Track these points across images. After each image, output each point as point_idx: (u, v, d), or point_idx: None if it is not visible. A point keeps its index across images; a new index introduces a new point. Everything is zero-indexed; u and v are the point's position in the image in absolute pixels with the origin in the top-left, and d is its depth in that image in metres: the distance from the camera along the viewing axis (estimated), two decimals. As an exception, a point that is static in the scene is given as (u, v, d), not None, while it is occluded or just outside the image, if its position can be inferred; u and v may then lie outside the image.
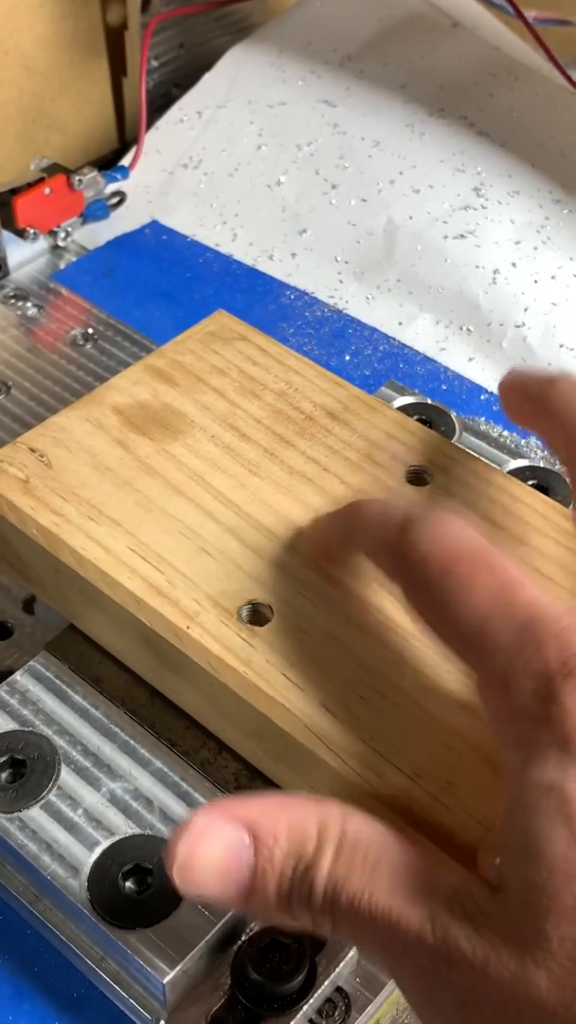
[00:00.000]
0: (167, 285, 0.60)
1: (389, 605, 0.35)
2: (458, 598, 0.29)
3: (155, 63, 0.73)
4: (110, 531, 0.37)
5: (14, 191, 0.57)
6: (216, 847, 0.27)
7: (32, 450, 0.40)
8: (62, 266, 0.61)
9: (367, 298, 0.58)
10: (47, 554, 0.37)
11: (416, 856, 0.27)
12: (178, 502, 0.38)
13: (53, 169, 0.59)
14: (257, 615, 0.35)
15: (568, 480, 0.36)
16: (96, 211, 0.62)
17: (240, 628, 0.34)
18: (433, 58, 0.68)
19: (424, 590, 0.30)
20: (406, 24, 0.71)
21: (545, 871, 0.24)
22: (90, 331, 0.57)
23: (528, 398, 0.35)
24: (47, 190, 0.58)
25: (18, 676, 0.38)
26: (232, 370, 0.43)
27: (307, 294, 0.59)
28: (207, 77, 0.69)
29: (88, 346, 0.57)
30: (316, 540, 0.37)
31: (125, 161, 0.65)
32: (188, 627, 0.34)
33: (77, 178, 0.59)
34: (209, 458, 0.40)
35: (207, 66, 0.75)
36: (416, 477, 0.40)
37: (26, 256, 0.60)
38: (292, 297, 0.59)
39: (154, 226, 0.63)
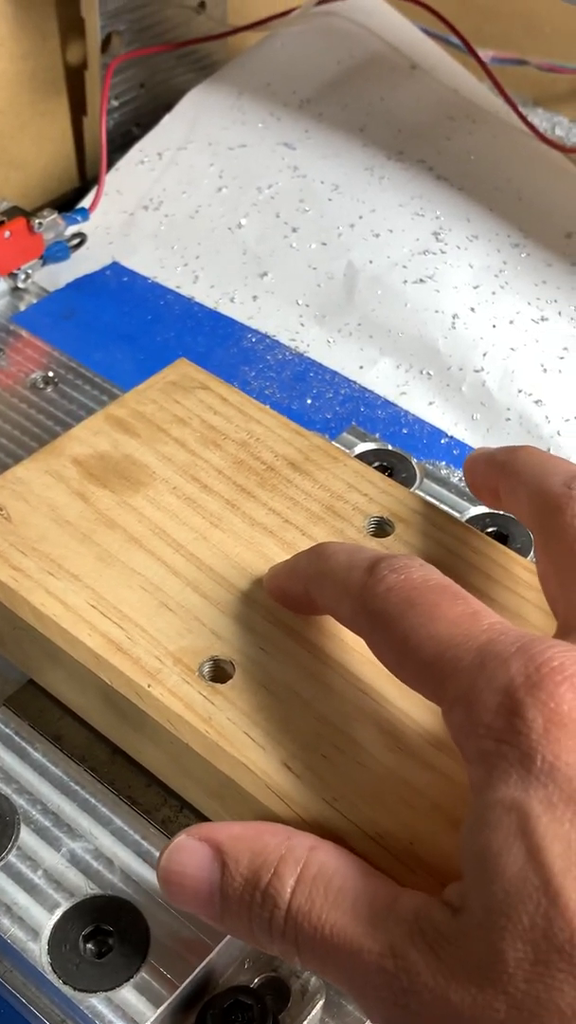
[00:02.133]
0: (128, 327, 0.60)
1: (350, 658, 0.35)
2: (420, 629, 0.29)
3: (115, 103, 0.73)
4: (70, 586, 0.37)
5: (-27, 234, 0.57)
6: (188, 864, 0.29)
7: (-9, 503, 0.39)
8: (22, 308, 0.61)
9: (328, 341, 0.58)
10: (5, 610, 0.37)
11: (380, 883, 0.28)
12: (139, 556, 0.38)
13: (12, 212, 0.59)
14: (219, 671, 0.35)
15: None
16: (56, 252, 0.62)
17: (201, 686, 0.34)
18: (392, 101, 0.69)
19: (387, 624, 0.30)
20: (365, 66, 0.72)
21: (502, 891, 0.24)
22: (51, 374, 0.57)
23: (493, 463, 0.36)
24: (7, 233, 0.58)
25: (-24, 733, 0.37)
26: (193, 420, 0.43)
27: (268, 337, 0.59)
28: (167, 119, 0.69)
29: (48, 389, 0.56)
30: (278, 582, 0.37)
31: (85, 202, 0.65)
32: (149, 685, 0.34)
33: (37, 221, 0.59)
34: (170, 510, 0.40)
35: (168, 104, 0.75)
36: (378, 528, 0.40)
37: (-14, 298, 0.60)
38: (254, 340, 0.59)
39: (115, 268, 0.63)
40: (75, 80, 0.73)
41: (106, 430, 0.43)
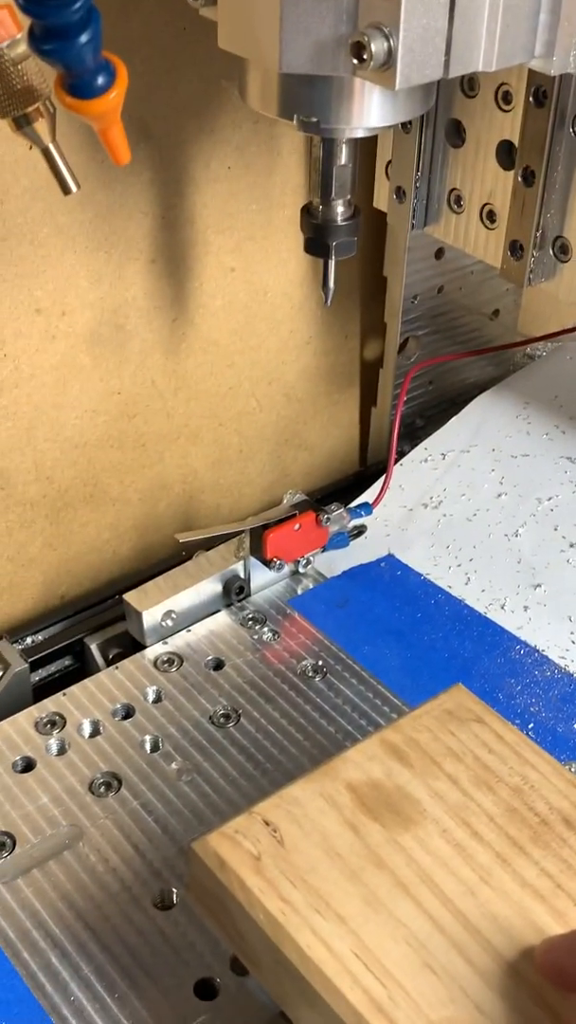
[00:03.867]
0: (398, 623, 0.62)
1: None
2: None
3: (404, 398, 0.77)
4: (336, 929, 0.37)
5: (267, 525, 0.61)
6: None
7: (266, 823, 0.40)
8: (299, 591, 0.64)
9: (599, 664, 0.57)
10: (270, 942, 0.37)
11: None
12: (406, 905, 0.38)
13: (303, 506, 0.63)
14: (480, 1053, 0.34)
15: None
16: (337, 541, 0.65)
17: (462, 1068, 0.33)
18: None
19: None
20: None
21: None
22: (320, 664, 0.59)
23: None
24: (297, 526, 0.61)
25: (225, 1064, 0.37)
26: (467, 755, 0.44)
27: (537, 651, 0.59)
28: (454, 421, 0.72)
29: (317, 679, 0.58)
30: (555, 958, 0.35)
31: (369, 496, 0.68)
32: (408, 1058, 0.33)
33: (325, 516, 0.62)
34: (440, 856, 0.40)
35: (452, 400, 0.79)
36: None
37: (268, 580, 0.63)
38: (522, 652, 0.59)
39: (389, 560, 0.65)
40: (369, 374, 0.78)
41: (380, 756, 0.43)
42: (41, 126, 0.39)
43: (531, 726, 0.55)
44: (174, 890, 0.47)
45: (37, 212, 0.55)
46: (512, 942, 0.37)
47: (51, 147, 0.40)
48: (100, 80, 0.37)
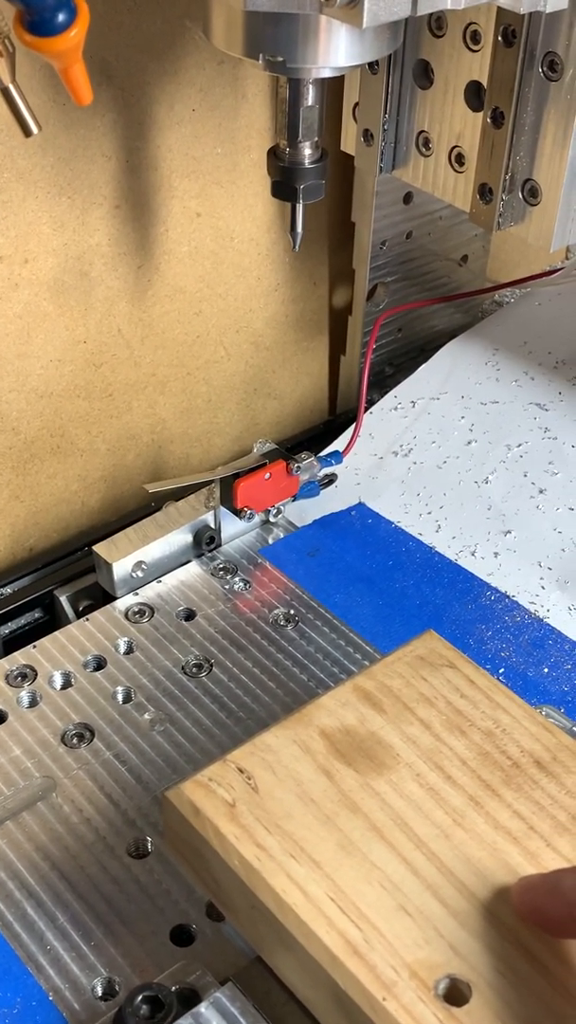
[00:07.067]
0: (369, 571, 0.62)
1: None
2: None
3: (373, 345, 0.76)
4: (311, 873, 0.37)
5: (237, 475, 0.60)
6: None
7: (240, 770, 0.40)
8: (270, 541, 0.63)
9: (569, 609, 0.58)
10: (246, 888, 0.37)
11: None
12: (380, 848, 0.38)
13: (273, 455, 0.62)
14: (455, 992, 0.34)
15: None
16: (308, 490, 0.65)
17: (437, 1007, 0.34)
18: None
19: None
20: (621, 329, 0.73)
21: None
22: (292, 612, 0.59)
23: None
24: (267, 475, 0.61)
25: (203, 1008, 0.38)
26: (439, 700, 0.44)
27: (508, 597, 0.59)
28: (423, 369, 0.72)
29: (289, 628, 0.58)
30: (533, 898, 0.36)
31: (339, 445, 0.68)
32: (384, 998, 0.34)
33: (296, 465, 0.62)
34: (413, 799, 0.40)
35: (422, 348, 0.79)
36: (625, 847, 0.39)
37: (238, 529, 0.63)
38: (492, 598, 0.59)
39: (360, 509, 0.65)
40: (337, 321, 0.78)
41: (353, 702, 0.43)
42: (0, 66, 0.38)
43: (502, 671, 0.55)
44: (148, 839, 0.47)
45: (-3, 156, 0.54)
46: (486, 883, 0.37)
47: (11, 87, 0.39)
48: (60, 17, 0.36)
